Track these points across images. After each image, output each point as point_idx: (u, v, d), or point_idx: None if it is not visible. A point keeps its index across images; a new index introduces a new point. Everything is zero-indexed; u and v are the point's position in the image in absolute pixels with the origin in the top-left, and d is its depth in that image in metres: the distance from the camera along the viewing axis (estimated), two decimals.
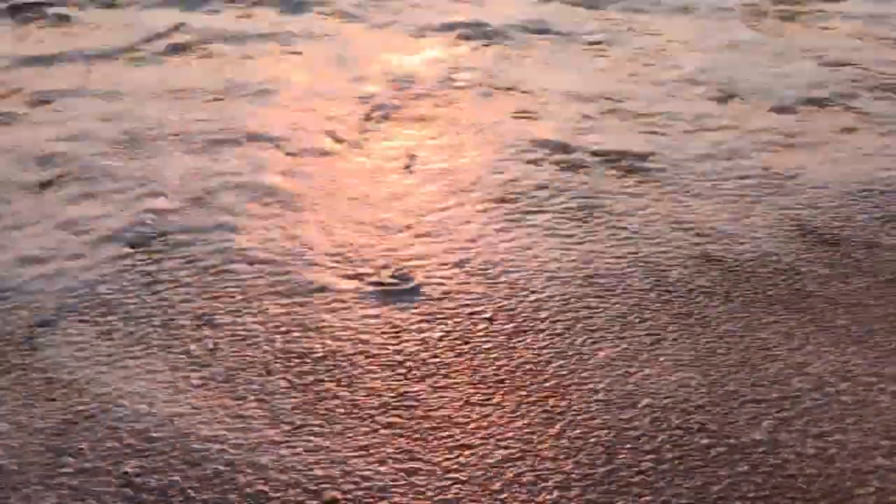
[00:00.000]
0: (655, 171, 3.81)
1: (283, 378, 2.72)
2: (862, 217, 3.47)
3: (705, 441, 2.39)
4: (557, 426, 2.50)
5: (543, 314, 2.98)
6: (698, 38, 4.91)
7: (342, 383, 2.69)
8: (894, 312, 2.90)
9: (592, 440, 2.43)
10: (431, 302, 3.05)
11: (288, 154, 3.93)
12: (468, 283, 3.14)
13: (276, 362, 2.78)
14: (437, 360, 2.79)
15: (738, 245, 3.33)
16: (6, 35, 4.88)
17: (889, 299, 2.97)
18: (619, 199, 3.61)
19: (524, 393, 2.63)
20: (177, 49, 4.75)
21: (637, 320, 2.93)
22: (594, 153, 3.95)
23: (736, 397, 2.57)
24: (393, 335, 2.90)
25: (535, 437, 2.45)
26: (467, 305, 3.03)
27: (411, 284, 3.16)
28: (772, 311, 2.96)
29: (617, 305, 3.01)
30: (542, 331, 2.90)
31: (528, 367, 2.74)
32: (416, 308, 3.03)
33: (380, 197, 3.64)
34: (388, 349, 2.84)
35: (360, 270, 3.22)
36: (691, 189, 3.70)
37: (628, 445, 2.40)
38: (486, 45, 4.92)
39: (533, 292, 3.08)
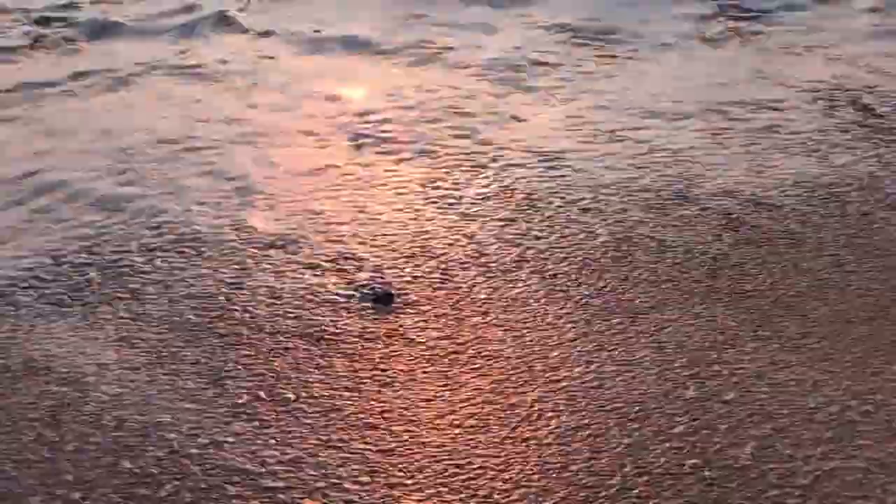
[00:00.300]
0: (576, 164, 3.85)
1: (233, 362, 2.68)
2: (786, 211, 3.51)
3: (694, 460, 2.34)
4: (522, 427, 2.42)
5: (476, 300, 2.97)
6: (652, 63, 4.97)
7: (296, 369, 2.65)
8: (834, 317, 2.91)
9: (570, 441, 2.34)
10: (366, 282, 3.04)
11: (257, 148, 3.99)
12: (398, 263, 3.14)
13: (228, 347, 2.74)
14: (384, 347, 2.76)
15: (666, 236, 3.33)
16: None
17: (828, 302, 2.98)
18: (544, 187, 3.66)
19: (487, 396, 2.54)
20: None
21: (578, 316, 2.90)
22: (519, 146, 4.01)
23: (701, 405, 2.52)
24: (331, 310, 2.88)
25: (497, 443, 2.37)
26: (404, 284, 3.03)
27: (355, 267, 3.14)
28: (713, 309, 2.94)
29: (558, 299, 2.98)
30: (484, 320, 2.88)
31: (484, 359, 2.71)
32: (351, 283, 3.05)
33: (329, 176, 3.71)
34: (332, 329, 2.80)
35: (310, 254, 3.20)
36: (610, 181, 3.71)
37: (604, 453, 2.32)
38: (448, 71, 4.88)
39: (461, 280, 3.08)
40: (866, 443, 2.41)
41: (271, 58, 4.96)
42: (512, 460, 2.35)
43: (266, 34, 5.22)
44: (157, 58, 4.86)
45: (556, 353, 2.74)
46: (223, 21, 5.40)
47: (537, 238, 3.34)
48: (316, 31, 5.20)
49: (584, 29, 5.30)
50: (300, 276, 3.10)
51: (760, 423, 2.47)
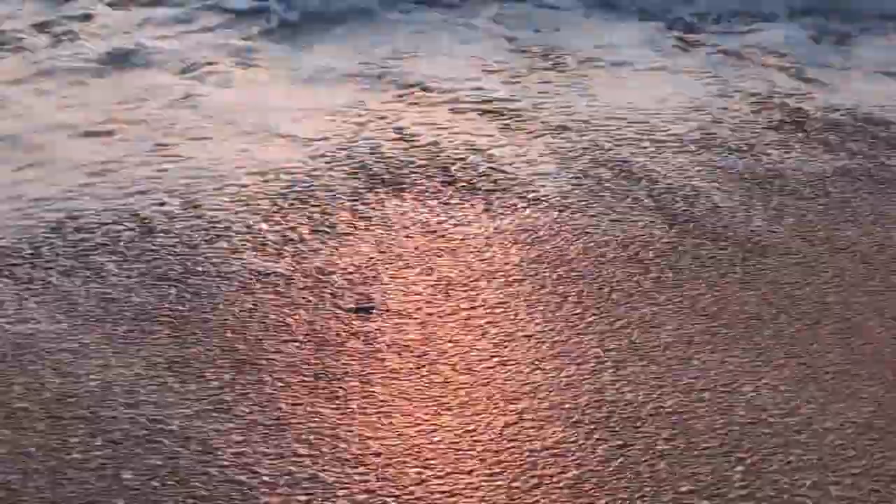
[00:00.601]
0: (502, 169, 3.97)
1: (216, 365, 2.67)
2: (724, 205, 3.66)
3: (686, 488, 2.34)
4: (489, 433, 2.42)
5: (455, 304, 3.03)
6: (604, 76, 5.11)
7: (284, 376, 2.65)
8: (792, 326, 2.96)
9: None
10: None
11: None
12: (366, 269, 3.20)
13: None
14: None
15: (604, 231, 3.45)
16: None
17: (784, 310, 3.03)
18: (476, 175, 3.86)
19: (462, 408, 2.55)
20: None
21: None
22: (464, 147, 4.16)
23: (677, 418, 2.52)
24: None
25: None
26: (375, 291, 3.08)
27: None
28: (661, 307, 3.01)
29: (545, 303, 3.03)
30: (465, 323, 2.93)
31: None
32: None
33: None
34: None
35: (291, 266, 3.23)
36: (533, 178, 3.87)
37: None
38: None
39: (441, 286, 3.12)
40: (851, 465, 2.43)
41: (266, 90, 4.96)
42: (499, 476, 2.33)
43: (265, 68, 5.22)
44: (159, 90, 4.85)
45: (532, 366, 2.75)
46: (228, 53, 5.37)
47: (503, 240, 3.41)
48: (314, 65, 5.21)
49: (534, 45, 5.47)
50: (286, 285, 3.11)
51: (744, 446, 2.47)
